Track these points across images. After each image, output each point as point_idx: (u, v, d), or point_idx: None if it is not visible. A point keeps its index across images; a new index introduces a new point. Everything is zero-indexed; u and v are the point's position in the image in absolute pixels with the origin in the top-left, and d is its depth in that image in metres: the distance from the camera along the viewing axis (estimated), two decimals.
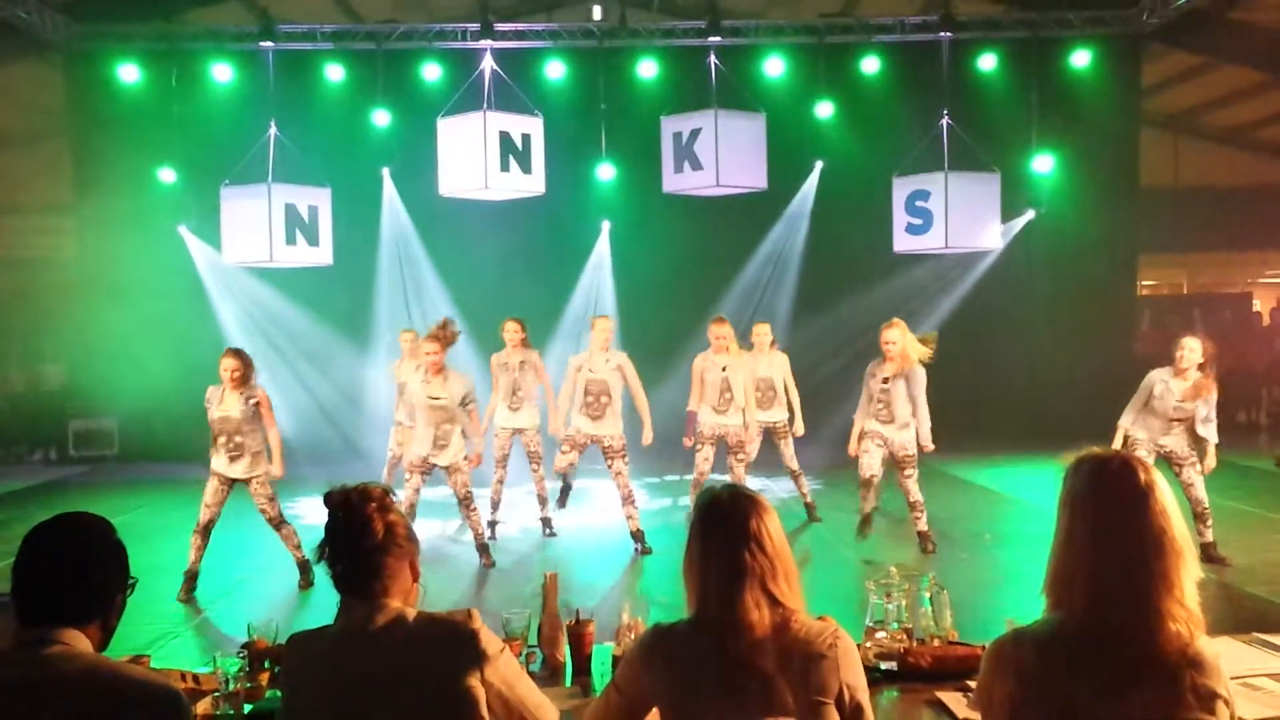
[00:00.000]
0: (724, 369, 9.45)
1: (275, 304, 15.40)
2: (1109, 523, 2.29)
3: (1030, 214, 15.50)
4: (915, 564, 8.49)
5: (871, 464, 8.94)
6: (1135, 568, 2.25)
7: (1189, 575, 2.27)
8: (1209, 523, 8.47)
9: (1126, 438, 8.56)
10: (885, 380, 8.85)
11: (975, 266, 15.68)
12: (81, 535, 2.49)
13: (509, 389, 10.12)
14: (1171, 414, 8.38)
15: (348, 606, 2.60)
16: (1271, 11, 14.20)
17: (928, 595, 3.74)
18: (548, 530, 10.22)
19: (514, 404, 10.15)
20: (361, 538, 2.58)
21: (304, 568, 8.36)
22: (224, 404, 8.14)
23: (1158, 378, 8.52)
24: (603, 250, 15.94)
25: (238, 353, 8.28)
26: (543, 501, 10.30)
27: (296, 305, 15.38)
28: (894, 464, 9.05)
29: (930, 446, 9.04)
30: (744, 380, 9.54)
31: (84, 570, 2.43)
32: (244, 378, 8.16)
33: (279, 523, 8.32)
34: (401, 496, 8.49)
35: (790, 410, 10.50)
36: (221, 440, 8.15)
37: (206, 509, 8.19)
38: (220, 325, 15.24)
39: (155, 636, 7.03)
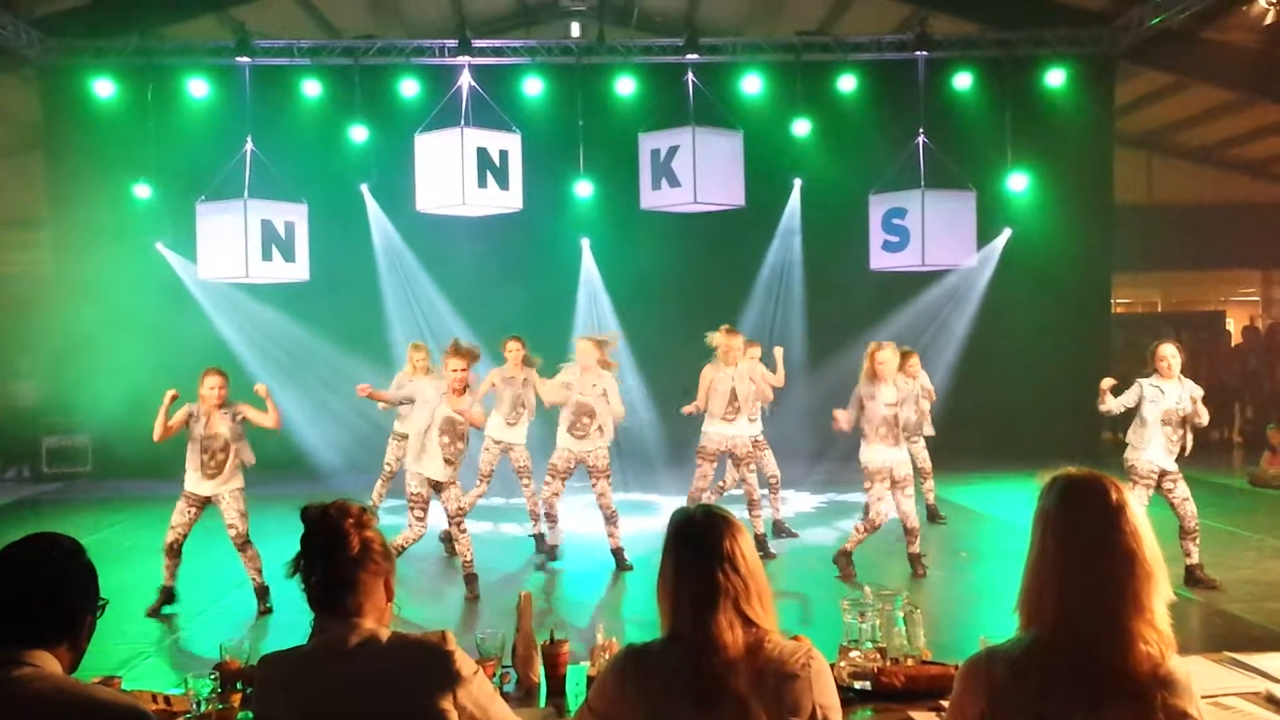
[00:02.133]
0: (733, 379, 9.61)
1: (276, 322, 15.27)
2: (1079, 542, 2.30)
3: (1008, 232, 15.56)
4: (890, 584, 8.50)
5: (888, 510, 8.77)
6: (1105, 588, 2.26)
7: (1159, 597, 2.28)
8: (1197, 541, 8.37)
9: (1129, 467, 8.37)
10: (891, 404, 8.71)
11: (951, 284, 15.73)
12: (51, 556, 2.47)
13: (513, 403, 10.11)
14: (1171, 417, 8.28)
15: (321, 626, 2.60)
16: (1244, 31, 14.31)
17: (901, 614, 3.75)
18: (540, 550, 10.06)
19: (513, 419, 10.16)
20: (337, 550, 2.58)
21: (262, 594, 8.22)
22: (211, 423, 8.09)
23: (1145, 385, 8.41)
24: (590, 269, 15.90)
25: (220, 371, 8.25)
26: (534, 518, 10.22)
27: (298, 323, 15.30)
28: (894, 485, 8.92)
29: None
30: (747, 388, 9.72)
31: (53, 591, 2.42)
32: (225, 397, 8.14)
33: (244, 542, 8.17)
34: (404, 529, 8.39)
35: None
36: (205, 458, 8.09)
37: (172, 530, 8.14)
38: (225, 344, 15.10)
39: (127, 657, 6.98)
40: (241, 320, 15.29)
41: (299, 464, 14.52)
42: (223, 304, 15.24)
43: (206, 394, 8.08)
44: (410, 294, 15.70)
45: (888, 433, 8.71)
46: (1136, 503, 2.35)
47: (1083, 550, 2.29)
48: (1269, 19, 12.42)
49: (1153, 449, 8.34)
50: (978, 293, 15.81)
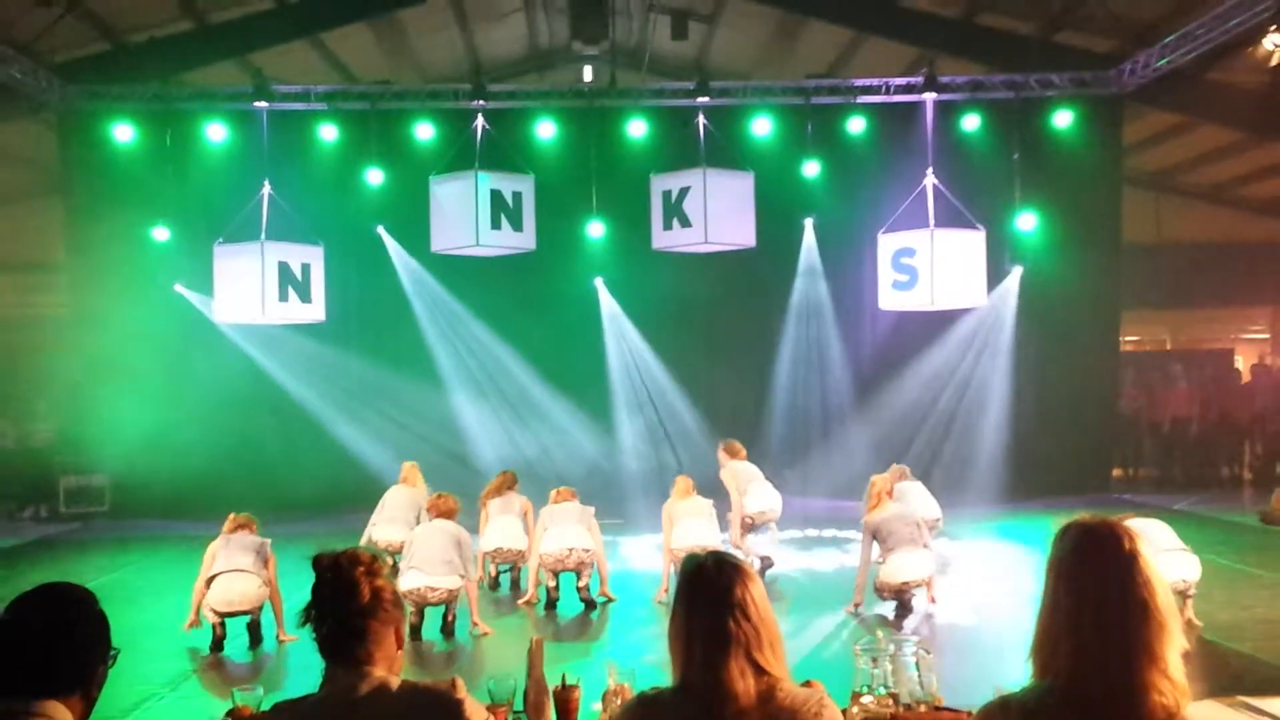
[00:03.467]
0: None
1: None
2: (1092, 591, 2.31)
3: (1019, 270, 15.53)
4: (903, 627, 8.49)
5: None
6: (1118, 638, 2.26)
7: (1173, 647, 2.28)
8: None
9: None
10: None
11: (973, 323, 15.73)
12: (63, 606, 2.50)
13: None
14: None
15: (331, 674, 2.61)
16: (1249, 73, 14.36)
17: (914, 660, 3.75)
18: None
19: None
20: (348, 600, 2.60)
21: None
22: None
23: None
24: (611, 305, 15.98)
25: None
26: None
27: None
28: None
29: None
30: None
31: (65, 642, 2.44)
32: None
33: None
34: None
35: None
36: None
37: None
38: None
39: (140, 699, 7.01)
40: (282, 354, 15.34)
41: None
42: (261, 340, 15.25)
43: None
44: (448, 327, 15.81)
45: None
46: (1149, 552, 2.37)
47: (1096, 600, 2.30)
48: (1275, 60, 12.47)
49: None
50: (1008, 331, 15.77)
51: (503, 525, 10.10)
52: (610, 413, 15.96)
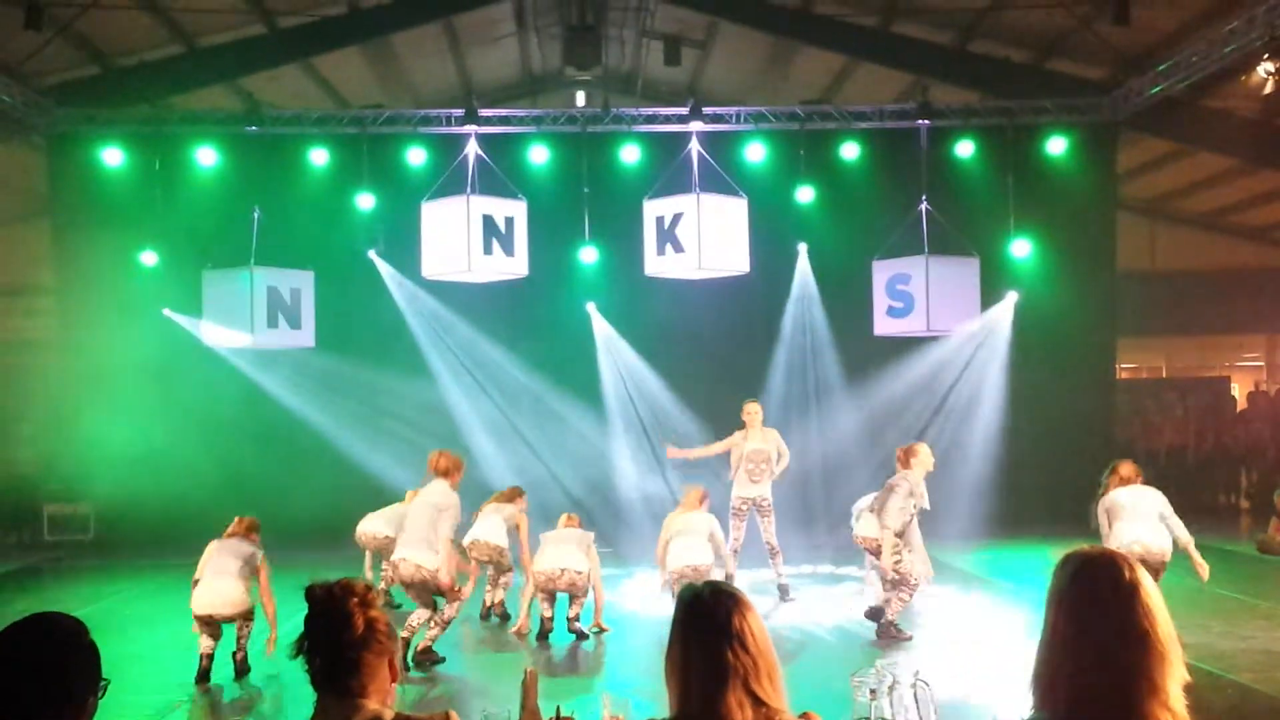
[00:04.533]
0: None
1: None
2: (1092, 621, 2.28)
3: (1014, 295, 15.48)
4: (900, 658, 8.40)
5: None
6: (1118, 669, 2.23)
7: (1174, 679, 2.25)
8: None
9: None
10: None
11: (952, 350, 15.70)
12: (53, 637, 2.47)
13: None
14: None
15: (323, 707, 2.58)
16: (1243, 100, 14.43)
17: (912, 691, 3.71)
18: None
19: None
20: (341, 632, 2.57)
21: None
22: None
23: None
24: (605, 329, 15.91)
25: None
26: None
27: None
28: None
29: None
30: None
31: (56, 674, 2.41)
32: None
33: None
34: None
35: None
36: None
37: None
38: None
39: None
40: (275, 378, 15.22)
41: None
42: (253, 363, 15.13)
43: None
44: (445, 349, 15.73)
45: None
46: (1150, 581, 2.32)
47: (1096, 630, 2.27)
48: (1268, 88, 12.52)
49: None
50: (1002, 358, 15.70)
51: (485, 522, 10.13)
52: (606, 437, 15.88)
